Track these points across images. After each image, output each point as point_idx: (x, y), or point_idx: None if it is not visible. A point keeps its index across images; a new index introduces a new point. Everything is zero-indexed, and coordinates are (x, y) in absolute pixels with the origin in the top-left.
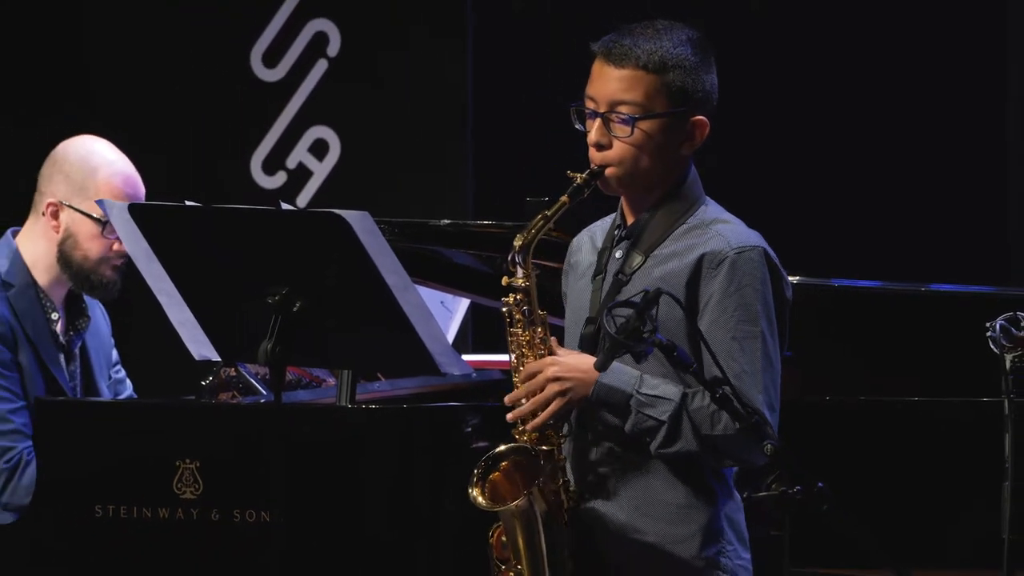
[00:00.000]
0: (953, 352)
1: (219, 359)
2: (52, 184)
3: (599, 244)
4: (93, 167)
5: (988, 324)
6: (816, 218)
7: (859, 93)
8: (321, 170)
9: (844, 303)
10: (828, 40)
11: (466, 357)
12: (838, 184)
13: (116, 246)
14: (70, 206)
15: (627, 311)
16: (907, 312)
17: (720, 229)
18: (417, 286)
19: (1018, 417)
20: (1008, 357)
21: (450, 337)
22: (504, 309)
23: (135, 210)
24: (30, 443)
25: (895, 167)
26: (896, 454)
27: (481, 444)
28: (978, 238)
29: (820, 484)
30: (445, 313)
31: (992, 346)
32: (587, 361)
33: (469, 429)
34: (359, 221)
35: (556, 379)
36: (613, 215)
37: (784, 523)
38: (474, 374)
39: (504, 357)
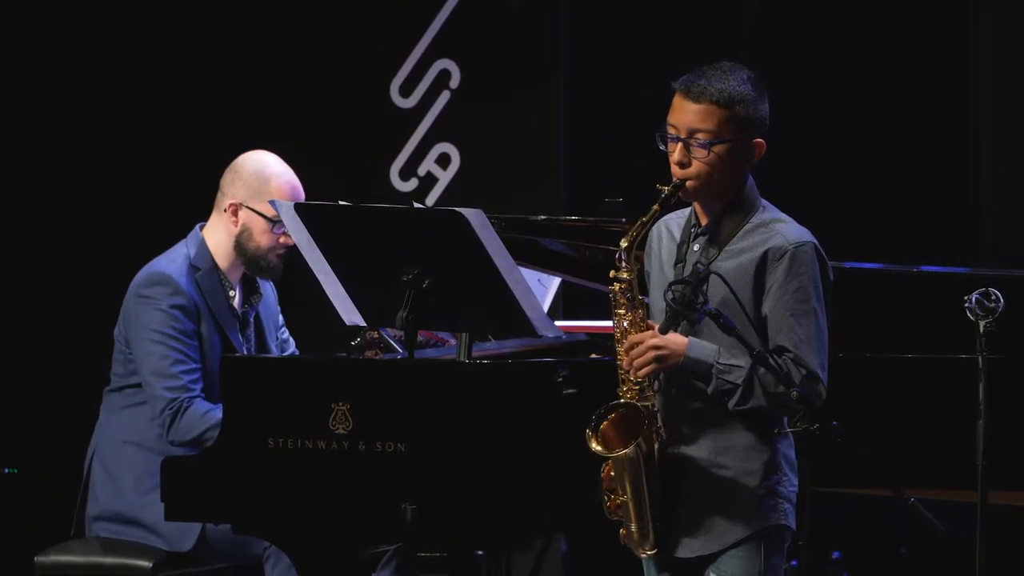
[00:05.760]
0: (939, 319)
1: (365, 324)
2: (233, 188)
3: (676, 236)
4: (267, 176)
5: (966, 297)
6: (810, 207)
7: (836, 97)
8: (444, 177)
9: (853, 280)
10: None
11: (558, 323)
12: (829, 178)
13: (281, 239)
14: (247, 207)
15: (683, 287)
16: (903, 287)
17: (780, 228)
18: (519, 267)
19: (989, 370)
20: (981, 323)
21: (545, 307)
22: (610, 295)
23: (300, 208)
24: (190, 395)
25: (881, 166)
26: (895, 398)
27: (570, 391)
28: (956, 226)
29: (835, 422)
30: (541, 288)
31: (969, 315)
32: (680, 337)
33: (560, 379)
34: (474, 217)
35: (656, 347)
36: (685, 211)
37: (808, 452)
38: (564, 336)
39: (586, 323)
